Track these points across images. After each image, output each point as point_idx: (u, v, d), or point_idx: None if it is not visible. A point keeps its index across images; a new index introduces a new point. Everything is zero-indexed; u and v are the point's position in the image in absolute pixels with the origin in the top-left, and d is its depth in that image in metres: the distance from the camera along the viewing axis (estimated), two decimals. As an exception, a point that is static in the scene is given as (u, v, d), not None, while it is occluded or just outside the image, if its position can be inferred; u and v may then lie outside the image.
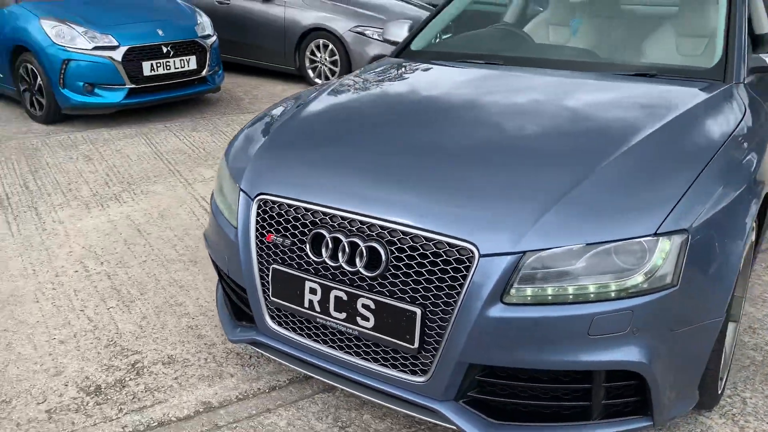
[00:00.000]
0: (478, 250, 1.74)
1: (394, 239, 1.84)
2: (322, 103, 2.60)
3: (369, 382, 1.95)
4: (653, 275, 1.73)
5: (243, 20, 7.76)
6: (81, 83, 5.59)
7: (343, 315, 1.93)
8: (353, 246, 1.89)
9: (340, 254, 1.90)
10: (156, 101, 5.99)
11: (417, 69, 2.95)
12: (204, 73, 6.26)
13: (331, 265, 1.93)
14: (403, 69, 2.97)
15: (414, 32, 3.35)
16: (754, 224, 2.16)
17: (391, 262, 1.84)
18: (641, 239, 1.73)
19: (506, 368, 1.80)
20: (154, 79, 5.86)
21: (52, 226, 3.72)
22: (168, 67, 5.94)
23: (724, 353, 2.17)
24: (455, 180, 1.92)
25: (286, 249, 2.02)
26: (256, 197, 2.11)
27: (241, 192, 2.17)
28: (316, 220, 1.97)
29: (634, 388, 1.83)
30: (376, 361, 1.93)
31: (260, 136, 2.41)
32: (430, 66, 2.97)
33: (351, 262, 1.89)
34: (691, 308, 1.79)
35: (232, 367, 2.47)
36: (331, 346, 2.01)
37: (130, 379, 2.40)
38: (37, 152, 5.08)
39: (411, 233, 1.82)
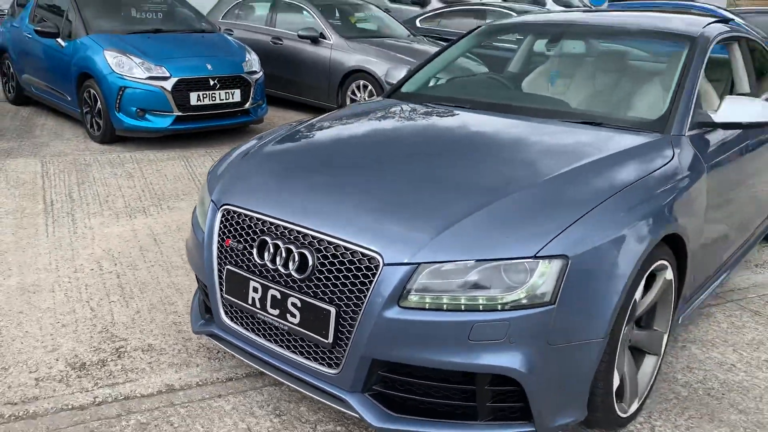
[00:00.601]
0: (382, 259, 2.02)
1: (321, 247, 2.14)
2: (294, 133, 2.95)
3: (294, 372, 2.24)
4: (532, 293, 1.97)
5: (293, 59, 8.32)
6: (134, 108, 6.18)
7: (277, 312, 2.23)
8: (288, 251, 2.20)
9: (277, 258, 2.22)
10: (200, 128, 6.53)
11: (389, 107, 3.27)
12: (247, 105, 6.77)
13: (270, 268, 2.24)
14: (376, 107, 3.30)
15: (405, 77, 3.69)
16: (664, 262, 2.36)
17: (317, 266, 2.14)
18: (523, 260, 1.98)
19: (404, 366, 2.05)
20: (200, 108, 6.40)
21: (83, 231, 4.18)
22: (213, 98, 6.48)
23: (626, 379, 2.36)
24: (378, 200, 2.22)
25: (238, 252, 2.35)
26: (221, 207, 2.46)
27: (211, 202, 2.53)
28: (264, 228, 2.29)
29: (517, 394, 2.05)
30: (301, 354, 2.22)
31: (237, 159, 2.77)
32: (402, 105, 3.29)
33: (286, 265, 2.20)
34: (569, 326, 2.00)
35: (199, 359, 2.80)
36: (268, 339, 2.31)
37: (111, 360, 2.76)
38: (87, 167, 5.65)
39: (333, 242, 2.12)
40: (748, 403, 2.62)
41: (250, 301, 2.30)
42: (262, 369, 2.33)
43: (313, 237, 2.16)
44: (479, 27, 3.93)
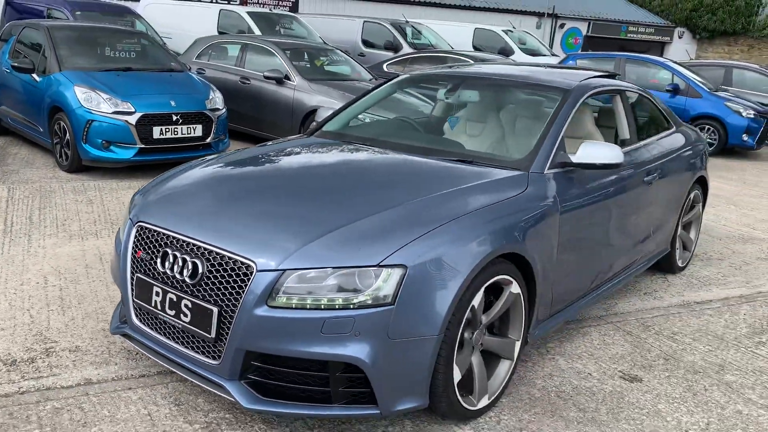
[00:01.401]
0: (256, 266, 2.44)
1: (210, 256, 2.56)
2: (211, 161, 3.40)
3: (186, 364, 2.63)
4: (376, 295, 2.39)
5: (260, 98, 8.83)
6: (100, 140, 6.62)
7: (173, 312, 2.63)
8: (184, 261, 2.61)
9: (175, 267, 2.63)
10: (162, 160, 6.96)
11: (302, 143, 3.73)
12: (209, 140, 7.23)
13: (169, 275, 2.66)
14: (292, 143, 3.76)
15: (327, 118, 4.16)
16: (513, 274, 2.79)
17: (206, 273, 2.55)
18: (369, 268, 2.41)
19: (272, 356, 2.46)
20: (162, 141, 6.86)
21: (36, 249, 4.58)
22: (175, 132, 6.94)
23: (475, 376, 2.76)
24: (259, 218, 2.65)
25: (146, 262, 2.77)
26: (136, 223, 2.88)
27: (129, 220, 2.95)
28: (168, 241, 2.71)
29: (364, 381, 2.45)
30: (192, 348, 2.62)
31: (155, 183, 3.21)
32: (315, 141, 3.75)
33: (181, 272, 2.61)
34: (407, 324, 2.42)
35: (119, 359, 3.18)
36: (167, 337, 2.71)
37: (40, 358, 3.13)
38: (51, 193, 6.06)
39: (219, 252, 2.54)
40: (590, 404, 3.03)
41: (153, 304, 2.71)
42: (163, 363, 2.73)
43: (204, 248, 2.59)
44: (397, 76, 4.42)
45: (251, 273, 2.44)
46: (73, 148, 6.75)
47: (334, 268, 2.42)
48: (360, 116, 4.27)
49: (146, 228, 2.82)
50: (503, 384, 2.95)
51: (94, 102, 6.67)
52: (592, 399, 3.07)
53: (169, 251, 2.67)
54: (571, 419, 2.89)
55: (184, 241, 2.66)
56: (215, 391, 2.54)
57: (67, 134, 6.79)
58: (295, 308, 2.40)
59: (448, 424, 2.79)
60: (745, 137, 11.07)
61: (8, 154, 7.65)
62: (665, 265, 4.84)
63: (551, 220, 3.09)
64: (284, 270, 2.42)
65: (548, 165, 3.27)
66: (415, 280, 2.44)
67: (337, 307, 2.39)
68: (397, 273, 2.42)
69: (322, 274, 2.42)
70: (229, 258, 2.51)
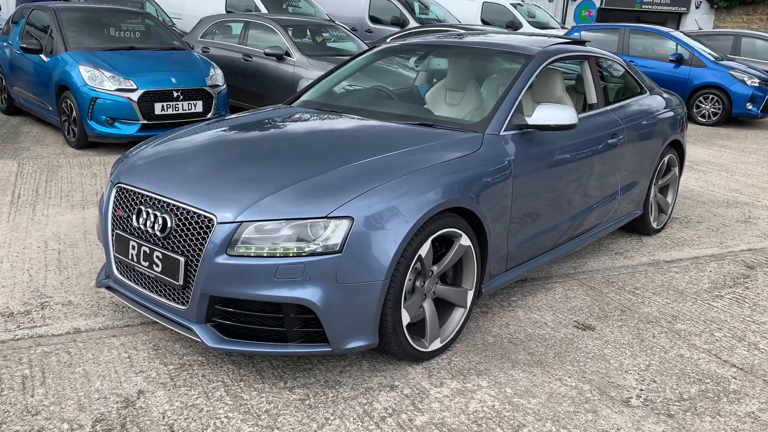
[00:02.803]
0: (216, 218, 2.68)
1: (178, 212, 2.81)
2: (190, 129, 3.63)
3: (158, 310, 2.90)
4: (325, 244, 2.62)
5: (261, 75, 9.05)
6: (104, 117, 6.91)
7: (147, 263, 2.89)
8: (155, 217, 2.86)
9: (147, 222, 2.88)
10: (165, 136, 7.23)
11: (277, 111, 3.95)
12: (209, 115, 7.48)
13: (143, 230, 2.91)
14: (267, 112, 3.99)
15: (304, 88, 4.37)
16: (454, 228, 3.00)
17: (174, 227, 2.80)
18: (319, 219, 2.64)
19: (233, 300, 2.70)
20: (164, 117, 7.12)
21: (39, 218, 4.88)
22: (176, 109, 7.20)
23: (427, 321, 2.99)
24: (223, 177, 2.89)
25: (124, 219, 3.02)
26: (116, 184, 3.14)
27: (110, 182, 3.20)
28: (141, 199, 2.96)
29: (317, 321, 2.69)
30: (163, 295, 2.87)
31: (135, 149, 3.46)
32: (290, 110, 3.96)
33: (153, 227, 2.86)
34: (354, 270, 2.65)
35: (107, 311, 3.46)
36: (143, 286, 2.97)
37: (35, 311, 3.42)
38: (58, 168, 6.37)
39: (185, 208, 2.78)
40: (539, 348, 3.24)
41: (130, 257, 2.97)
42: (141, 311, 2.99)
43: (173, 205, 2.83)
44: (374, 47, 4.61)
45: (212, 225, 2.68)
46: (80, 125, 7.04)
47: (287, 219, 2.65)
48: (340, 86, 4.47)
49: (124, 189, 3.08)
50: (456, 329, 3.18)
51: (97, 80, 6.94)
52: (542, 344, 3.28)
53: (143, 208, 2.92)
54: (519, 361, 3.10)
55: (156, 199, 2.91)
56: (185, 334, 2.80)
57: (74, 112, 7.08)
58: (252, 256, 2.64)
59: (402, 364, 3.03)
60: (749, 106, 11.06)
61: (21, 132, 7.98)
62: (640, 228, 5.00)
63: (504, 179, 3.28)
64: (241, 222, 2.66)
65: (504, 127, 3.45)
66: (362, 231, 2.66)
67: (290, 255, 2.62)
68: (344, 224, 2.65)
69: (277, 226, 2.65)
70: (194, 213, 2.75)
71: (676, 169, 5.24)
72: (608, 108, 4.36)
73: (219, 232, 2.67)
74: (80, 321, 3.34)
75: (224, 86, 7.75)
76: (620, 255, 4.65)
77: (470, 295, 3.21)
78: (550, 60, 3.93)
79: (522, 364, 3.08)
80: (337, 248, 2.63)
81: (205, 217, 2.72)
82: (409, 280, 2.95)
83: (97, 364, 2.95)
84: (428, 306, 3.03)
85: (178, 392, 2.76)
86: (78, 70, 7.02)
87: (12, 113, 8.96)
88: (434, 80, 4.43)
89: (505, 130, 3.45)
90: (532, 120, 3.47)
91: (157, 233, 2.84)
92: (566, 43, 4.26)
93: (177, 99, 7.18)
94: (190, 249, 2.74)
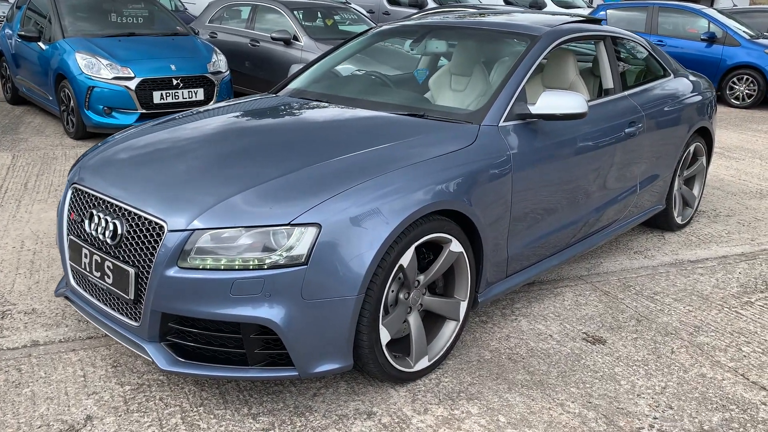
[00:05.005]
0: (167, 225, 2.37)
1: (129, 217, 2.51)
2: (158, 123, 3.33)
3: (112, 325, 2.60)
4: (289, 255, 2.29)
5: (268, 60, 8.73)
6: (101, 106, 6.65)
7: (99, 273, 2.60)
8: (106, 222, 2.57)
9: (98, 228, 2.59)
10: (165, 125, 6.96)
11: (259, 101, 3.62)
12: (211, 104, 7.19)
13: (94, 236, 2.62)
14: (247, 101, 3.66)
15: (293, 74, 4.03)
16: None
17: (125, 234, 2.50)
18: (282, 227, 2.31)
19: (187, 318, 2.40)
20: (163, 106, 6.85)
21: (22, 215, 4.64)
22: (176, 97, 6.92)
23: (412, 338, 2.66)
24: (179, 178, 2.57)
25: (78, 223, 2.74)
26: (71, 185, 2.85)
27: (67, 181, 2.92)
28: (94, 202, 2.67)
29: (281, 342, 2.37)
30: (116, 309, 2.58)
31: (100, 145, 3.16)
32: (274, 99, 3.63)
33: (104, 233, 2.56)
34: (323, 284, 2.32)
35: (70, 321, 3.19)
36: (96, 298, 2.69)
37: (-6, 320, 3.17)
38: (53, 160, 6.14)
39: (136, 213, 2.48)
40: (541, 366, 2.89)
41: (83, 265, 2.68)
42: (96, 324, 2.71)
43: (125, 209, 2.53)
44: (370, 29, 4.25)
45: (163, 233, 2.38)
46: (78, 115, 6.81)
47: (246, 227, 2.33)
48: (332, 72, 4.13)
49: (79, 190, 2.79)
50: (447, 345, 2.84)
51: (94, 68, 6.69)
52: (545, 361, 2.93)
53: (95, 212, 2.63)
54: (517, 382, 2.76)
55: (108, 203, 2.61)
56: (136, 351, 2.51)
57: (72, 101, 6.84)
58: (206, 269, 2.32)
59: (384, 386, 2.70)
60: (786, 87, 10.43)
61: (22, 122, 7.79)
62: (662, 223, 4.59)
63: (503, 175, 2.92)
64: (194, 230, 2.34)
65: (504, 117, 3.08)
66: (332, 239, 2.33)
67: (251, 267, 2.30)
68: (310, 232, 2.32)
69: (235, 234, 2.34)
70: (145, 218, 2.45)
71: (704, 159, 4.81)
72: (626, 93, 3.95)
73: (169, 241, 2.36)
74: (40, 332, 3.08)
75: (227, 73, 7.45)
76: (639, 254, 4.26)
77: (463, 306, 2.87)
78: (559, 41, 3.53)
79: (520, 386, 2.73)
80: (303, 259, 2.31)
81: (156, 223, 2.41)
82: (392, 291, 2.62)
83: (47, 383, 2.68)
84: (414, 320, 2.69)
85: (129, 419, 2.47)
86: (74, 57, 6.77)
87: (17, 103, 8.78)
88: (432, 65, 4.06)
89: (505, 121, 3.08)
90: (535, 109, 3.10)
91: (108, 240, 2.54)
92: (578, 22, 3.86)
93: (177, 87, 6.90)
94: (141, 259, 2.44)
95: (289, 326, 2.31)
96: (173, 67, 6.91)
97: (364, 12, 10.80)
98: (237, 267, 2.31)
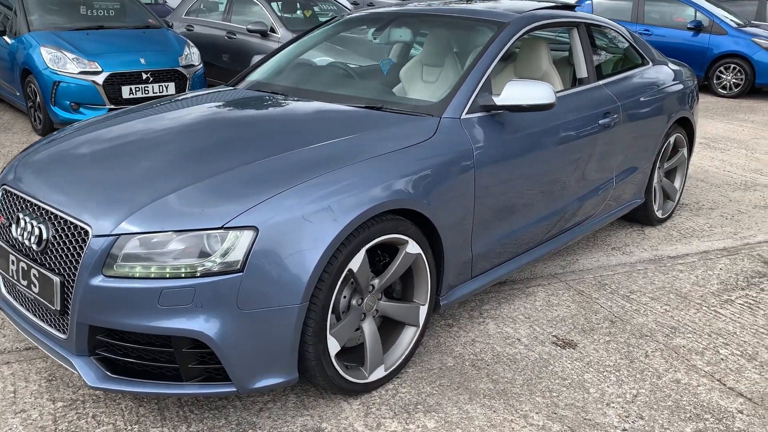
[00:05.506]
0: (92, 230, 2.18)
1: (54, 221, 2.31)
2: (97, 121, 3.13)
3: (39, 336, 2.41)
4: (223, 261, 2.11)
5: (245, 53, 8.51)
6: (68, 102, 6.44)
7: (26, 282, 2.41)
8: (32, 226, 2.37)
9: (25, 233, 2.40)
10: (135, 121, 6.74)
11: (213, 95, 3.43)
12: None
13: (20, 242, 2.42)
14: (199, 95, 3.48)
15: (253, 65, 3.84)
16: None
17: (50, 239, 2.31)
18: (214, 230, 2.12)
19: (115, 331, 2.21)
20: (132, 101, 6.62)
21: (-26, 216, 4.42)
22: (146, 91, 6.70)
23: (367, 347, 2.48)
24: (108, 179, 2.38)
25: (6, 228, 2.54)
26: (1, 186, 2.65)
27: (-2, 183, 2.72)
28: (22, 205, 2.47)
29: (216, 357, 2.19)
30: (44, 320, 2.39)
31: (37, 143, 2.96)
32: (228, 92, 3.44)
33: (30, 239, 2.37)
34: (262, 293, 2.13)
35: (9, 331, 2.99)
36: (25, 307, 2.50)
37: (-73, 331, 2.97)
38: (17, 158, 5.91)
39: (61, 216, 2.29)
40: (505, 374, 2.71)
41: (10, 273, 2.49)
42: (26, 336, 2.52)
43: (51, 213, 2.34)
44: (334, 18, 4.05)
45: (87, 238, 2.19)
46: (44, 111, 6.59)
47: (177, 231, 2.14)
48: (295, 62, 3.93)
49: (8, 191, 2.59)
50: (406, 353, 2.66)
51: (60, 63, 6.46)
52: (510, 368, 2.75)
53: (21, 216, 2.44)
54: (479, 392, 2.58)
55: (35, 206, 2.42)
56: (65, 366, 2.32)
57: (38, 97, 6.62)
58: (134, 278, 2.13)
59: (336, 398, 2.52)
60: (774, 76, 10.27)
61: (-10, 119, 7.56)
62: (642, 217, 4.42)
63: (465, 171, 2.74)
64: (119, 234, 2.15)
65: (467, 109, 2.90)
66: (271, 243, 2.14)
67: (182, 275, 2.12)
68: (246, 236, 2.13)
69: (165, 239, 2.15)
70: (70, 222, 2.26)
71: (685, 151, 4.63)
72: (601, 83, 3.77)
73: (94, 248, 2.17)
74: (-25, 343, 2.89)
75: (200, 66, 7.24)
76: (617, 250, 4.09)
77: (423, 311, 2.69)
78: (527, 27, 3.35)
79: (482, 396, 2.56)
80: (238, 266, 2.12)
81: (81, 227, 2.22)
82: (344, 297, 2.44)
83: (-26, 400, 2.49)
84: (368, 328, 2.51)
85: (57, 440, 2.29)
86: (39, 52, 6.54)
87: (-12, 99, 8.54)
88: (395, 55, 3.87)
89: (468, 113, 2.89)
90: (500, 100, 2.91)
91: (33, 246, 2.35)
92: (550, 8, 3.67)
93: (147, 81, 6.68)
94: (66, 267, 2.24)
95: (223, 339, 2.13)
96: (143, 60, 6.69)
97: (347, 3, 10.59)
98: (168, 275, 2.12)
